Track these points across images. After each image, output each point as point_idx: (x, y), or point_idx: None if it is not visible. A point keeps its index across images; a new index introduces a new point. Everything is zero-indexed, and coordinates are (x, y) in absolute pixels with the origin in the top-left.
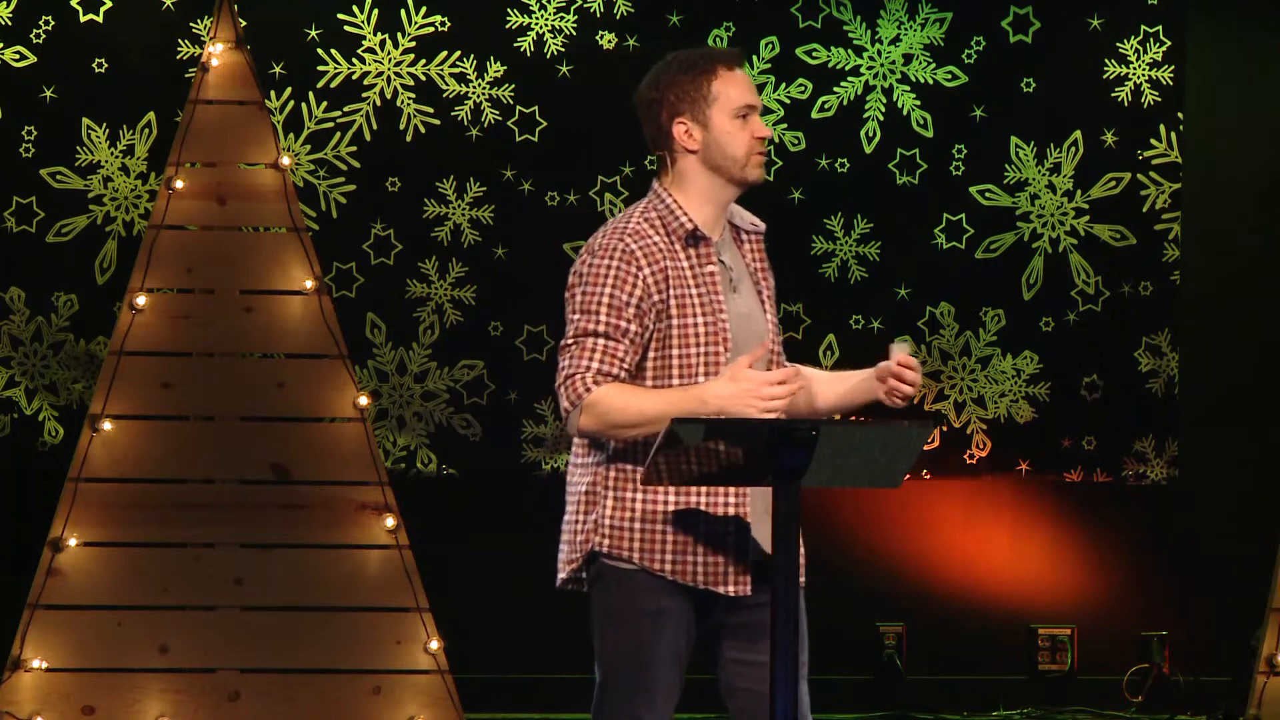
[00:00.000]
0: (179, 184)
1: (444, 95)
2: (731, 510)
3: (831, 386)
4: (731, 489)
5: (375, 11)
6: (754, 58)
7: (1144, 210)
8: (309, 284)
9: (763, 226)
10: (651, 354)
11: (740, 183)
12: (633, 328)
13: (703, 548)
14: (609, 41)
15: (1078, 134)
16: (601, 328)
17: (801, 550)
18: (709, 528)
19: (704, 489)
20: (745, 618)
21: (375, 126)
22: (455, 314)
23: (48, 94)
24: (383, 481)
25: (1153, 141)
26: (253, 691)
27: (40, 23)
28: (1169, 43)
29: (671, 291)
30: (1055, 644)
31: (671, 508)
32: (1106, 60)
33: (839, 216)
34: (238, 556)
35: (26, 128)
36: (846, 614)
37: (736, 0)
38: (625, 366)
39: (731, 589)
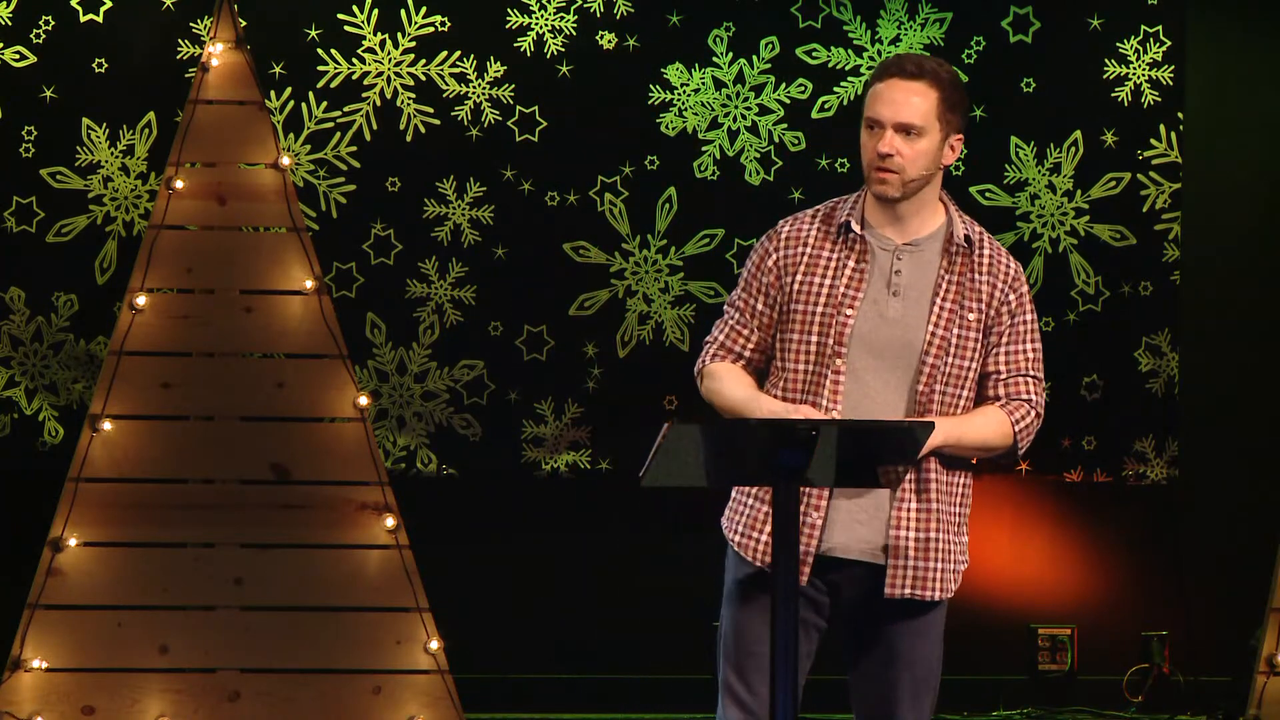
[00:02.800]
0: (179, 184)
1: (444, 95)
2: (808, 502)
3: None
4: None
5: (375, 11)
6: (754, 57)
7: (1144, 210)
8: (309, 284)
9: (965, 243)
10: (777, 334)
11: (874, 197)
12: (760, 306)
13: (768, 528)
14: (609, 41)
15: (1078, 134)
16: (738, 302)
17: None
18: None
19: None
20: (870, 624)
21: (375, 126)
22: (455, 314)
23: (48, 94)
24: (383, 481)
25: (1153, 141)
26: (253, 691)
27: (40, 23)
28: (1169, 43)
29: (799, 277)
30: (1055, 644)
31: (756, 490)
32: (1106, 60)
33: None
34: (238, 556)
35: (26, 128)
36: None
37: (737, 0)
38: (752, 343)
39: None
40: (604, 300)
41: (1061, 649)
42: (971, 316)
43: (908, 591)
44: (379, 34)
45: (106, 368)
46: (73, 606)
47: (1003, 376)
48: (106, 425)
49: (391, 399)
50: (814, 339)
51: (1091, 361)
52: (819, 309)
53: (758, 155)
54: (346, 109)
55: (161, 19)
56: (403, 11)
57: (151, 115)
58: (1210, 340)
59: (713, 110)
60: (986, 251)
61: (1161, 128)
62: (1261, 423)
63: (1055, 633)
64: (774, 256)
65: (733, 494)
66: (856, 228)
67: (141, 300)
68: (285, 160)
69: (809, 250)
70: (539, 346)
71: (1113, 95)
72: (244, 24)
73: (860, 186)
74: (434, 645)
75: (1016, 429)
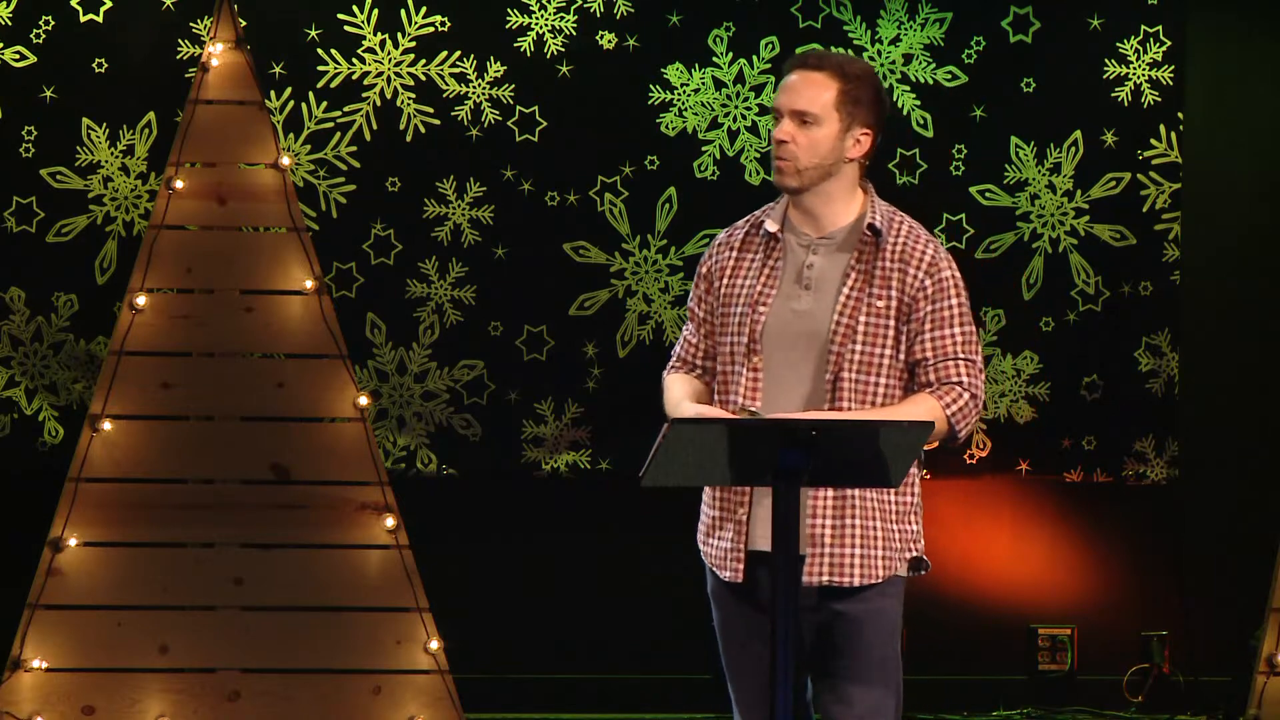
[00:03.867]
0: (179, 184)
1: (444, 95)
2: (734, 500)
3: None
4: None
5: (375, 11)
6: (754, 57)
7: (1144, 210)
8: (309, 284)
9: (870, 231)
10: (716, 339)
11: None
12: (702, 314)
13: (716, 533)
14: (609, 41)
15: (1078, 134)
16: (688, 313)
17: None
18: (718, 514)
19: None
20: (829, 616)
21: (375, 126)
22: (455, 314)
23: (48, 94)
24: (383, 481)
25: (1153, 141)
26: (253, 691)
27: (40, 23)
28: (1169, 43)
29: (725, 281)
30: (1055, 644)
31: (707, 497)
32: (1106, 60)
33: None
34: (238, 556)
35: (26, 128)
36: None
37: (736, 0)
38: (702, 351)
39: (726, 574)
40: (604, 300)
41: (1061, 649)
42: (880, 304)
43: (825, 579)
44: (379, 34)
45: (106, 368)
46: (73, 606)
47: (931, 362)
48: (106, 425)
49: (391, 399)
50: (734, 339)
51: (1091, 361)
52: (738, 309)
53: (758, 155)
54: (346, 109)
55: (161, 19)
56: (403, 11)
57: (151, 115)
58: (1210, 340)
59: (713, 110)
60: (900, 240)
61: (1161, 128)
62: (1261, 423)
63: (1055, 633)
64: (707, 265)
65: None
66: (770, 227)
67: (141, 300)
68: (285, 160)
69: (735, 254)
70: (539, 346)
71: (1113, 95)
72: (244, 24)
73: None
74: (434, 645)
75: (949, 412)
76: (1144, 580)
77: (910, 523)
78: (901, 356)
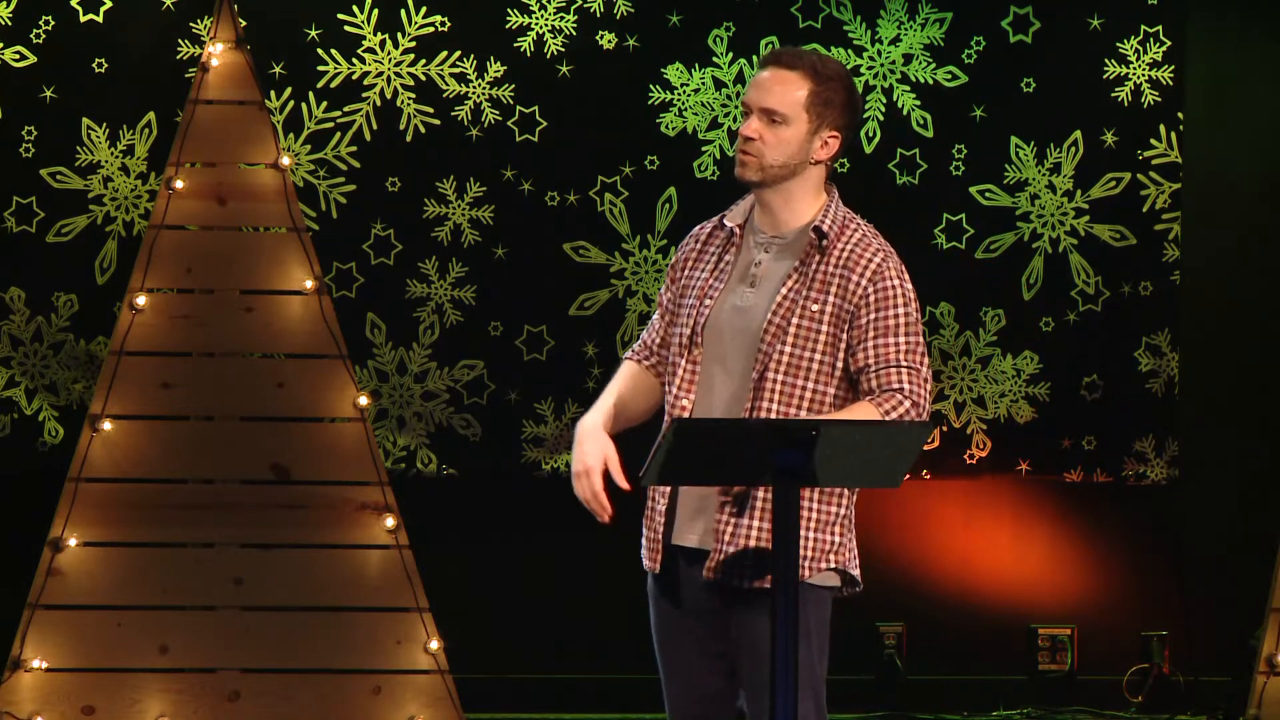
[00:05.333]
0: (179, 184)
1: (444, 95)
2: (657, 490)
3: None
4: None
5: (375, 11)
6: (754, 57)
7: (1144, 210)
8: (309, 284)
9: (816, 234)
10: None
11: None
12: (666, 303)
13: (646, 524)
14: (609, 41)
15: (1078, 134)
16: (659, 302)
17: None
18: (650, 504)
19: None
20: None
21: (375, 126)
22: (455, 314)
23: (48, 94)
24: (383, 481)
25: (1153, 141)
26: (253, 691)
27: (40, 23)
28: (1169, 43)
29: (686, 273)
30: (1055, 644)
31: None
32: (1106, 60)
33: None
34: (238, 556)
35: (26, 128)
36: (846, 614)
37: (736, 0)
38: (660, 339)
39: (647, 563)
40: (604, 300)
41: (1061, 649)
42: (815, 307)
43: (719, 576)
44: (379, 34)
45: (106, 368)
46: (73, 606)
47: (873, 369)
48: (106, 425)
49: (391, 399)
50: (681, 330)
51: (1091, 361)
52: (689, 302)
53: None
54: (346, 109)
55: (161, 19)
56: (403, 11)
57: (151, 115)
58: (1210, 340)
59: (713, 110)
60: (848, 246)
61: (1161, 128)
62: (1261, 423)
63: (1055, 633)
64: (679, 256)
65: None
66: (730, 222)
67: (141, 300)
68: (285, 160)
69: (699, 247)
70: (539, 346)
71: (1113, 95)
72: (244, 24)
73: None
74: (434, 645)
75: (887, 420)
76: (1144, 580)
77: (831, 533)
78: (838, 364)
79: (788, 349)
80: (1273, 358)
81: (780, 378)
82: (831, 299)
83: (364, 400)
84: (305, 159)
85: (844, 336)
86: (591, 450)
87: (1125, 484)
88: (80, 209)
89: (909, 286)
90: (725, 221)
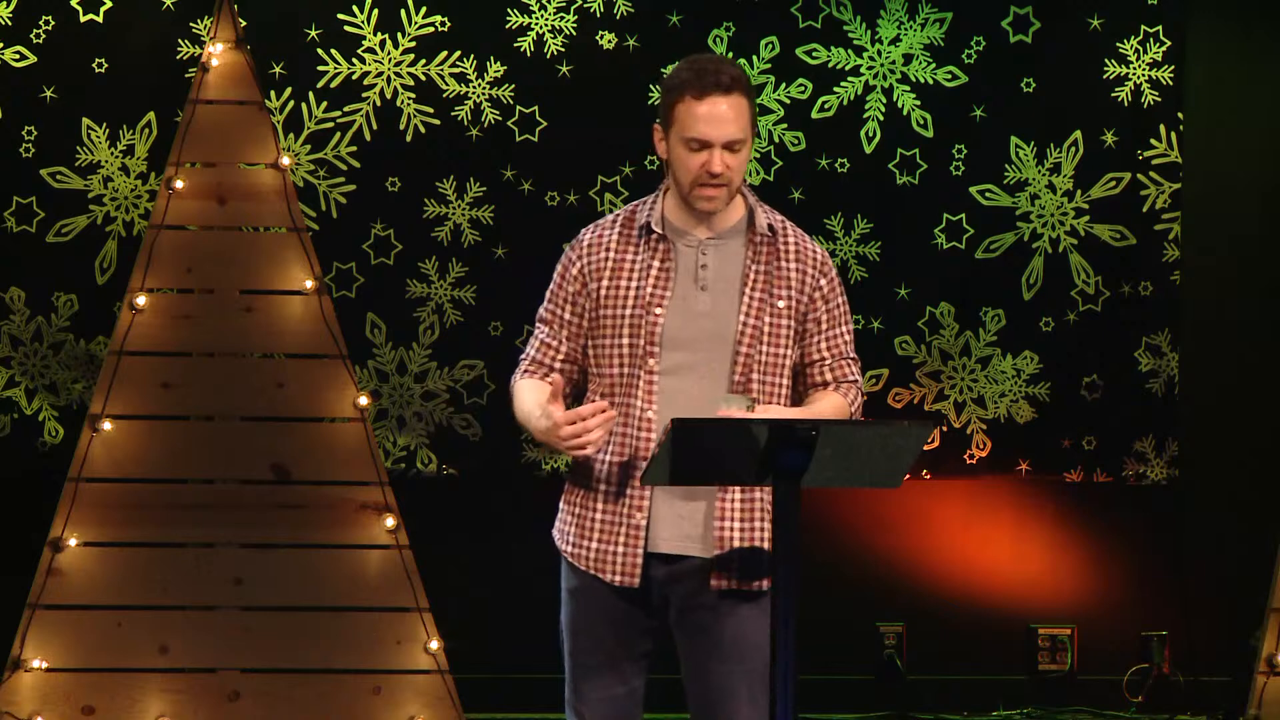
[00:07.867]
0: (179, 184)
1: (444, 95)
2: (631, 504)
3: None
4: (635, 485)
5: (375, 11)
6: (754, 57)
7: (1144, 210)
8: (309, 284)
9: (769, 231)
10: (589, 342)
11: (690, 206)
12: (568, 316)
13: (596, 535)
14: (609, 41)
15: (1078, 134)
16: (546, 315)
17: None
18: (605, 517)
19: (613, 482)
20: (697, 617)
21: (375, 126)
22: (455, 314)
23: (48, 94)
24: (383, 481)
25: (1153, 141)
26: (253, 691)
27: (40, 23)
28: (1169, 43)
29: (605, 283)
30: (1055, 644)
31: (580, 497)
32: (1106, 60)
33: (839, 216)
34: (238, 556)
35: (26, 128)
36: (846, 614)
37: (736, 0)
38: (561, 354)
39: (616, 579)
40: None
41: (1061, 649)
42: (781, 304)
43: (735, 583)
44: (379, 34)
45: (106, 368)
46: (73, 606)
47: (828, 362)
48: (106, 425)
49: (391, 399)
50: (625, 341)
51: (1091, 361)
52: (628, 311)
53: (758, 155)
54: (346, 109)
55: (161, 19)
56: (403, 11)
57: (151, 115)
58: (1210, 340)
59: None
60: (791, 240)
61: (1161, 128)
62: (1261, 423)
63: (1055, 633)
64: (577, 265)
65: (560, 504)
66: (658, 228)
67: (141, 300)
68: (285, 160)
69: (612, 255)
70: None
71: (1113, 95)
72: (244, 24)
73: (659, 186)
74: (434, 645)
75: (853, 410)
76: (1144, 580)
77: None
78: (793, 355)
79: (765, 349)
80: (1272, 358)
81: (763, 377)
82: (793, 294)
83: (364, 400)
84: (305, 159)
85: (796, 329)
86: (545, 425)
87: (1125, 484)
88: (80, 209)
89: None
90: (652, 226)
